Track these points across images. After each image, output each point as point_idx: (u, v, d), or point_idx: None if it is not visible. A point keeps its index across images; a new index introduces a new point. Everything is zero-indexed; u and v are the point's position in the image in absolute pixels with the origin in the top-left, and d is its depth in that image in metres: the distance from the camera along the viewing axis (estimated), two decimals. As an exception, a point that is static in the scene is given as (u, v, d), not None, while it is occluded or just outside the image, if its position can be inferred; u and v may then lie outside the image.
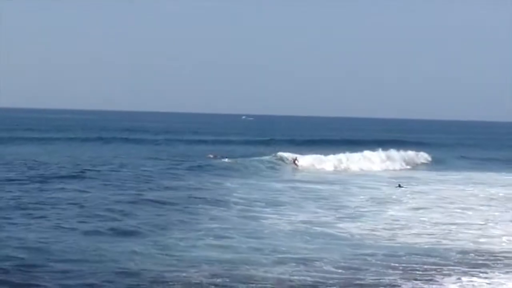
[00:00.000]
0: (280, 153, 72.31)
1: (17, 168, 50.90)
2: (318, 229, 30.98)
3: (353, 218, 34.91)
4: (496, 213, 38.03)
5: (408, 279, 21.41)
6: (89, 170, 50.70)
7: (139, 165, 59.44)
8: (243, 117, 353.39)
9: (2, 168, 50.26)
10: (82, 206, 33.87)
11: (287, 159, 70.62)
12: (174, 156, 75.85)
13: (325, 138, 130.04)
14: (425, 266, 23.51)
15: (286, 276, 21.44)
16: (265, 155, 72.13)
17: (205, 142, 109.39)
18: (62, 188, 40.25)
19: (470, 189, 51.41)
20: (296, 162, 70.15)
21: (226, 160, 65.88)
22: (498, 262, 24.55)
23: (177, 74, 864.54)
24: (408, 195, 46.02)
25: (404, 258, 24.74)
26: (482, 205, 41.37)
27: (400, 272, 22.49)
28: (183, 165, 60.93)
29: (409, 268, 23.05)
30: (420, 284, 20.95)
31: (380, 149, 76.20)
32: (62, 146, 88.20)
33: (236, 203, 38.28)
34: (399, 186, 52.06)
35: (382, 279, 21.44)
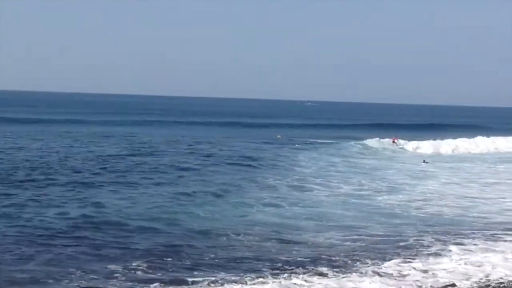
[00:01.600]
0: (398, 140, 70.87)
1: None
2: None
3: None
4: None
5: (441, 241, 22.88)
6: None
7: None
8: (308, 103, 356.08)
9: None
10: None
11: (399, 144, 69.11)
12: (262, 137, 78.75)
13: (408, 123, 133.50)
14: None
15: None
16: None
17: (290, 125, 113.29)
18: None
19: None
20: (395, 141, 69.64)
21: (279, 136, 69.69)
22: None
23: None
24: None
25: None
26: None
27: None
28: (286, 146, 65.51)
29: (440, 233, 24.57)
30: (450, 245, 22.26)
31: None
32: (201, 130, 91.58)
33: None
34: (424, 161, 54.00)
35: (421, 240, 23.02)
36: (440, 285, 17.53)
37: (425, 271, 18.87)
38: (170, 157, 48.08)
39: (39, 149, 50.39)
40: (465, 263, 19.84)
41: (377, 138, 70.13)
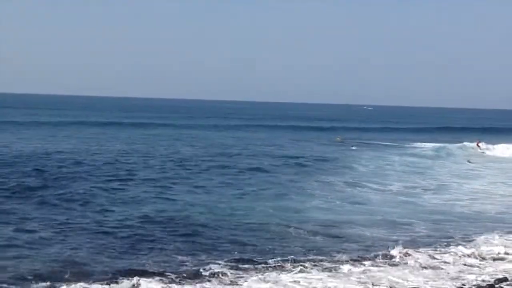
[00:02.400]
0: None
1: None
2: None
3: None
4: None
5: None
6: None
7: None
8: (364, 107, 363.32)
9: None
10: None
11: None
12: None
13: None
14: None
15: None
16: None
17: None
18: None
19: None
20: (479, 145, 69.54)
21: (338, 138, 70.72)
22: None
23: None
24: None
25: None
26: None
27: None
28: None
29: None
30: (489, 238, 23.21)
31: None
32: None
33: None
34: (469, 162, 54.82)
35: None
36: (491, 278, 18.27)
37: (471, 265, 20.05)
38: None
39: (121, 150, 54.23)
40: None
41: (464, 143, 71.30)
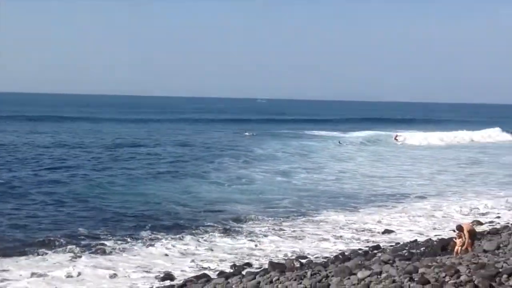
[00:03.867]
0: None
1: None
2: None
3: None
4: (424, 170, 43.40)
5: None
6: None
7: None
8: (258, 100, 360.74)
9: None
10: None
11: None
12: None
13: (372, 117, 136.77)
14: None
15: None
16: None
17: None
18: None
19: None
20: (397, 138, 70.27)
21: (247, 134, 73.01)
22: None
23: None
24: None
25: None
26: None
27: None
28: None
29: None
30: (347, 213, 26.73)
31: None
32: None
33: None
34: (339, 142, 59.90)
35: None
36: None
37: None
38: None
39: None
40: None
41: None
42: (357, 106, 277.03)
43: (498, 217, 25.61)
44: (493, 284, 12.71)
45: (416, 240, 21.71)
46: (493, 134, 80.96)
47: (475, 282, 12.74)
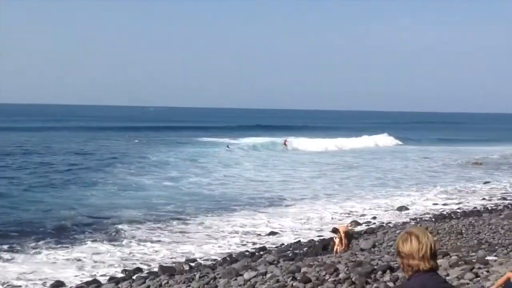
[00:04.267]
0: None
1: None
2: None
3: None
4: (304, 174, 44.58)
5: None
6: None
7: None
8: (144, 108, 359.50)
9: None
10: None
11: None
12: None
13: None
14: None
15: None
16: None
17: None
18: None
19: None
20: (286, 143, 70.46)
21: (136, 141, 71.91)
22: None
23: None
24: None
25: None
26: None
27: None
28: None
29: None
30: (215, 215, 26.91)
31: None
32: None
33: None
34: (228, 147, 60.53)
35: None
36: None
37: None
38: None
39: None
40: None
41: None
42: (252, 113, 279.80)
43: (374, 217, 26.62)
44: (369, 280, 13.28)
45: (299, 241, 22.28)
46: (381, 140, 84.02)
47: (353, 279, 13.27)
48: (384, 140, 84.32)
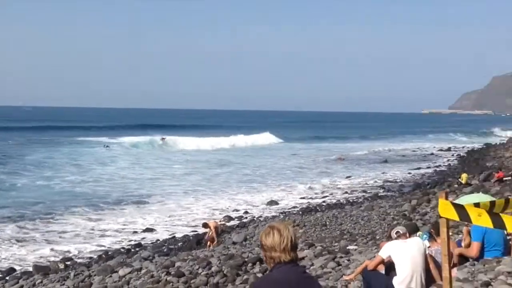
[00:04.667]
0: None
1: None
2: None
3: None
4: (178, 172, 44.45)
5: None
6: None
7: None
8: (22, 107, 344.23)
9: None
10: None
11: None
12: None
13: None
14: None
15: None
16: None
17: None
18: None
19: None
20: (163, 141, 69.81)
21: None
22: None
23: None
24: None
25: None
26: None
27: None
28: None
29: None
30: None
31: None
32: None
33: None
34: (106, 146, 59.79)
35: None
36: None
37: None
38: None
39: None
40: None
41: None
42: (134, 113, 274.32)
43: (246, 212, 26.99)
44: (240, 272, 13.47)
45: (174, 237, 22.26)
46: (263, 138, 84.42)
47: (224, 272, 13.42)
48: (266, 138, 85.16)
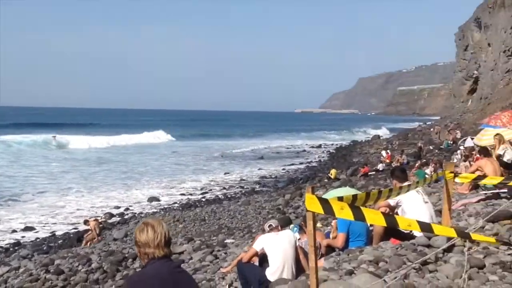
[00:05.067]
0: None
1: None
2: None
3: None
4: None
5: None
6: None
7: None
8: None
9: None
10: None
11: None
12: None
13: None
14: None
15: None
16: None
17: None
18: None
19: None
20: (54, 139, 66.18)
21: None
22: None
23: None
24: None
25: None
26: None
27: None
28: None
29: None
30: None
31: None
32: None
33: None
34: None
35: None
36: None
37: None
38: None
39: None
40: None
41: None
42: (26, 111, 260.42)
43: (127, 209, 26.53)
44: (120, 268, 13.23)
45: (54, 234, 21.49)
46: (154, 136, 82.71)
47: (104, 268, 13.13)
48: (160, 136, 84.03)
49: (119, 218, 24.24)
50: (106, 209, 26.50)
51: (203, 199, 28.99)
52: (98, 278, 12.66)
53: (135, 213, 25.33)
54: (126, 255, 14.07)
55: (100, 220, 21.26)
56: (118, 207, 27.04)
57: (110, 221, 23.60)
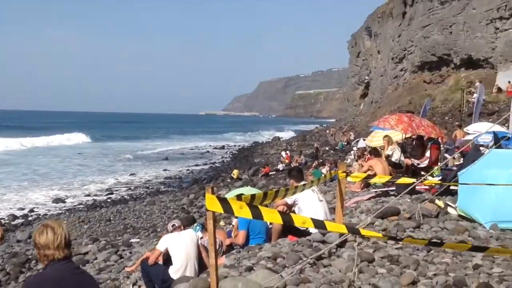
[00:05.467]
0: None
1: None
2: None
3: None
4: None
5: None
6: None
7: None
8: None
9: None
10: None
11: None
12: None
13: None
14: None
15: None
16: None
17: None
18: None
19: None
20: None
21: None
22: None
23: None
24: None
25: None
26: None
27: None
28: None
29: None
30: None
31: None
32: None
33: None
34: None
35: None
36: None
37: None
38: None
39: None
40: None
41: None
42: None
43: (32, 210, 25.51)
44: (23, 269, 12.73)
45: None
46: (72, 138, 79.59)
47: (7, 270, 12.59)
48: (76, 139, 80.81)
49: (22, 220, 23.27)
50: (9, 211, 25.35)
51: (109, 200, 28.36)
52: (1, 280, 12.13)
53: (40, 215, 24.40)
54: (30, 256, 13.56)
55: (3, 222, 20.36)
56: (22, 209, 25.94)
57: (13, 222, 22.62)
